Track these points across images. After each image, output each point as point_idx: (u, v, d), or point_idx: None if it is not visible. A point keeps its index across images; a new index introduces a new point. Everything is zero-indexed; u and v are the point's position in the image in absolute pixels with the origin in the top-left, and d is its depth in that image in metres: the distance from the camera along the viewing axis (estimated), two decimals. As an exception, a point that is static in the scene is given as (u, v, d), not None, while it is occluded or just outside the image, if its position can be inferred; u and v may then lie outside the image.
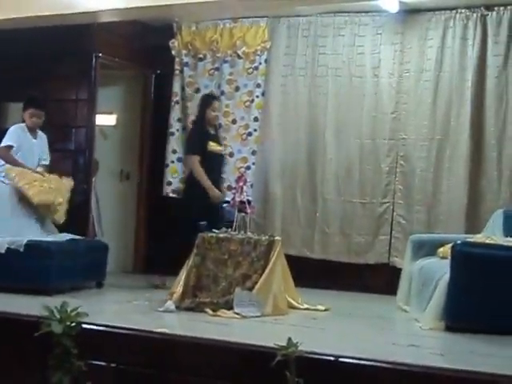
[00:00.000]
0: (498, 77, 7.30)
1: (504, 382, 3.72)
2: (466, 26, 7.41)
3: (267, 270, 5.84)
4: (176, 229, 8.18)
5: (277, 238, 6.11)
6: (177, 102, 8.46)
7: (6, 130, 7.09)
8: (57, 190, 6.98)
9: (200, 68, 8.42)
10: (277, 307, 5.88)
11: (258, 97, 8.14)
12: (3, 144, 6.92)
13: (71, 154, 8.10)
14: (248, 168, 7.70)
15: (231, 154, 8.15)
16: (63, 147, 8.09)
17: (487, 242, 5.95)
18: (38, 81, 8.04)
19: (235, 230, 6.16)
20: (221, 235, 6.05)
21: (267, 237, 6.06)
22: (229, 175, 8.13)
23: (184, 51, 8.45)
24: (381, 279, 7.57)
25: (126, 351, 4.62)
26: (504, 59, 7.28)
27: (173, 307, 5.74)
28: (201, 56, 8.41)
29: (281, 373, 3.73)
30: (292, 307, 6.11)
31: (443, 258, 6.09)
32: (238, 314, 5.63)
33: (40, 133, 7.13)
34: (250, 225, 6.35)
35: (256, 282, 5.80)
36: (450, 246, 5.65)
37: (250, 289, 5.79)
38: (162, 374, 4.44)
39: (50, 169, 7.23)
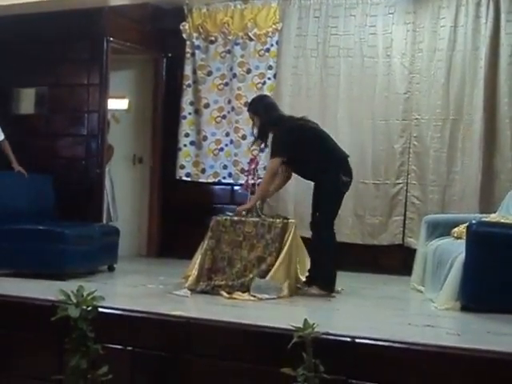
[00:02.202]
0: (511, 55, 7.24)
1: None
2: (478, 3, 7.33)
3: (283, 253, 5.84)
4: (190, 212, 8.23)
5: (291, 220, 6.10)
6: (188, 86, 8.45)
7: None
8: None
9: (211, 51, 8.40)
10: (292, 289, 5.90)
11: (269, 79, 8.11)
12: None
13: (84, 139, 8.10)
14: (262, 151, 7.69)
15: (244, 137, 8.14)
16: (76, 132, 8.11)
17: (502, 221, 5.94)
18: (49, 66, 8.08)
19: (248, 213, 6.14)
20: (235, 218, 6.04)
21: (281, 219, 6.04)
22: (241, 158, 8.15)
23: (195, 34, 8.42)
24: (395, 260, 7.57)
25: (142, 334, 4.65)
26: (517, 38, 7.23)
27: (188, 292, 5.74)
28: (212, 39, 8.38)
29: (298, 354, 3.74)
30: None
31: (458, 238, 6.09)
32: (253, 296, 5.63)
33: None
34: (263, 208, 6.32)
35: (271, 265, 5.80)
36: (464, 226, 5.64)
37: (266, 271, 5.79)
38: (178, 356, 4.46)
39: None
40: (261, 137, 6.26)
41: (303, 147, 6.00)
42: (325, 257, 5.96)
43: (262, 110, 6.21)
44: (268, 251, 5.86)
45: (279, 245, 5.86)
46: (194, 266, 6.00)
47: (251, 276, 5.81)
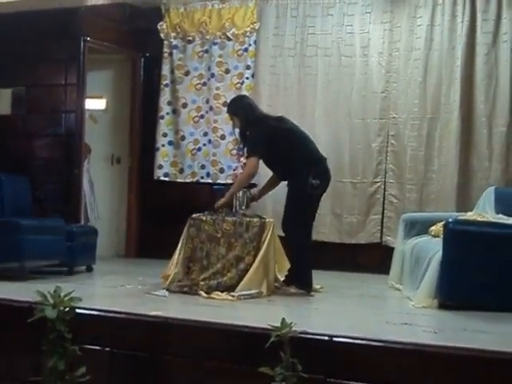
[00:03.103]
0: (487, 54, 7.30)
1: (495, 357, 3.73)
2: (455, 2, 7.39)
3: (261, 253, 5.83)
4: (168, 213, 8.21)
5: (269, 219, 6.10)
6: (166, 85, 8.44)
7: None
8: None
9: (189, 50, 8.40)
10: (271, 289, 5.91)
11: (247, 78, 8.13)
12: None
13: (61, 139, 8.06)
14: (239, 150, 7.68)
15: (223, 137, 8.16)
16: (53, 132, 8.07)
17: (479, 219, 5.97)
18: (26, 66, 8.03)
19: (239, 207, 6.16)
20: (213, 216, 6.03)
21: (259, 219, 6.04)
22: (220, 158, 8.16)
23: (173, 34, 8.42)
24: (373, 259, 7.60)
25: (120, 335, 4.63)
26: (493, 36, 7.28)
27: (166, 293, 5.74)
28: (189, 38, 8.38)
29: (276, 354, 3.74)
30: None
31: (435, 236, 6.11)
32: (232, 296, 5.63)
33: None
34: (249, 205, 6.32)
35: (249, 264, 5.79)
36: (441, 224, 5.67)
37: (244, 270, 5.79)
38: (156, 357, 4.44)
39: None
40: (242, 137, 6.27)
41: (273, 148, 6.03)
42: (297, 256, 5.98)
43: (241, 110, 6.21)
44: (246, 250, 5.85)
45: (257, 244, 5.86)
46: (172, 265, 5.98)
47: (230, 275, 5.81)
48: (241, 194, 6.17)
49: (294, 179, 6.06)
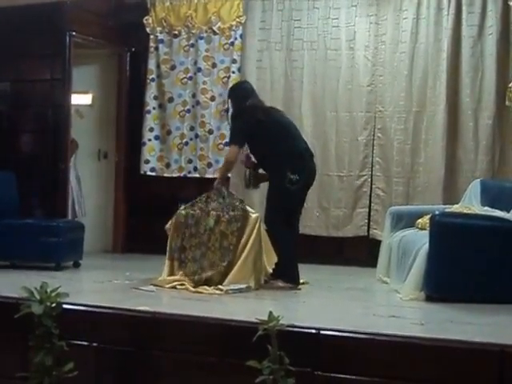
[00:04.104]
0: (473, 47, 7.31)
1: (482, 348, 3.75)
2: (440, -5, 7.41)
3: (248, 247, 5.85)
4: (155, 207, 8.20)
5: (255, 214, 6.09)
6: (152, 80, 8.42)
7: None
8: None
9: (175, 45, 8.37)
10: (259, 282, 5.92)
11: (234, 72, 8.11)
12: None
13: (47, 135, 8.03)
14: (226, 144, 7.67)
15: (211, 131, 8.16)
16: (39, 128, 8.03)
17: (465, 211, 6.01)
18: (10, 61, 7.97)
19: (246, 187, 6.39)
20: (197, 211, 6.05)
21: (243, 212, 6.01)
22: (208, 152, 8.15)
23: (158, 28, 8.39)
24: (360, 252, 7.62)
25: (108, 330, 4.62)
26: (479, 29, 7.29)
27: (153, 287, 5.74)
28: (175, 32, 8.35)
29: (263, 347, 3.74)
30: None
31: (422, 229, 6.13)
32: (219, 289, 5.64)
33: None
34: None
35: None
36: (428, 217, 5.68)
37: (231, 264, 5.80)
38: (144, 352, 4.44)
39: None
40: (232, 122, 6.35)
41: (254, 141, 6.10)
42: (281, 251, 5.98)
43: (234, 96, 6.33)
44: (231, 243, 5.86)
45: (239, 236, 5.86)
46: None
47: (218, 269, 5.82)
48: (247, 173, 6.24)
49: (273, 173, 6.10)
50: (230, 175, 7.23)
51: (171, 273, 6.00)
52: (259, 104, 6.33)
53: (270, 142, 6.05)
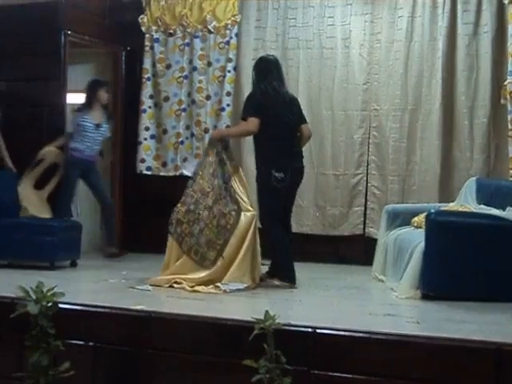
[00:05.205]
0: (468, 45, 7.33)
1: (478, 346, 3.76)
2: (435, -7, 7.42)
3: (245, 245, 5.85)
4: (151, 206, 8.19)
5: (252, 212, 6.09)
6: (148, 79, 8.42)
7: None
8: None
9: (170, 44, 8.37)
10: (256, 281, 5.93)
11: (229, 71, 8.11)
12: None
13: (43, 134, 8.00)
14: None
15: (206, 130, 8.15)
16: (35, 127, 8.01)
17: (460, 210, 6.02)
18: (6, 60, 7.95)
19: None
20: (191, 207, 6.04)
21: (237, 209, 6.01)
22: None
23: (154, 27, 8.39)
24: (356, 250, 7.63)
25: (104, 330, 4.62)
26: (474, 27, 7.31)
27: (150, 287, 5.73)
28: (171, 31, 8.35)
29: (259, 346, 3.75)
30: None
31: (418, 227, 6.14)
32: (217, 287, 5.64)
33: None
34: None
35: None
36: (424, 215, 5.70)
37: (225, 242, 5.84)
38: (140, 351, 4.45)
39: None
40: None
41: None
42: (276, 249, 5.99)
43: (256, 71, 6.22)
44: (229, 224, 5.87)
45: (229, 233, 5.86)
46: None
47: (214, 247, 5.85)
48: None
49: (258, 171, 6.09)
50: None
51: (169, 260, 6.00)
52: (271, 92, 6.07)
53: (262, 138, 6.01)
